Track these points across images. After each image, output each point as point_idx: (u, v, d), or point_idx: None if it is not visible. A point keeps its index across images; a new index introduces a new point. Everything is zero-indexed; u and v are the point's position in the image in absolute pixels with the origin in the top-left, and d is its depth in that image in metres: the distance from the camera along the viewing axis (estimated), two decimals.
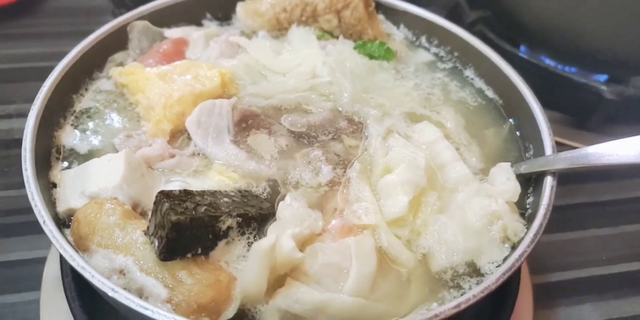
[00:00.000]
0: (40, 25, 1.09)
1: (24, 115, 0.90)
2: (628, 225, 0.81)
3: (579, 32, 0.90)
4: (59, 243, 0.39)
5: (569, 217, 0.83)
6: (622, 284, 0.73)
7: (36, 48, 1.04)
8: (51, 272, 0.67)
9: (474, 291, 0.38)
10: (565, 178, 0.78)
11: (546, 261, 0.76)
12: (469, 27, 1.01)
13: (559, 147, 0.62)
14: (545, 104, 0.90)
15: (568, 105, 0.98)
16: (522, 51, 0.99)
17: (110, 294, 0.36)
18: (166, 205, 0.39)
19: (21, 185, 0.79)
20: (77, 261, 0.38)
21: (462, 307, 0.37)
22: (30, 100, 0.95)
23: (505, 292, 0.60)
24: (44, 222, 0.40)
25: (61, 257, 0.61)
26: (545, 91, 0.96)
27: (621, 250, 0.78)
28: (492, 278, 0.39)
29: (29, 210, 0.76)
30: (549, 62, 0.96)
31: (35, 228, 0.73)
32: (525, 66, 0.97)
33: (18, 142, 0.86)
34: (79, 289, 0.55)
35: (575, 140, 0.90)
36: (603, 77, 0.97)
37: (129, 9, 0.87)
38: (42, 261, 0.69)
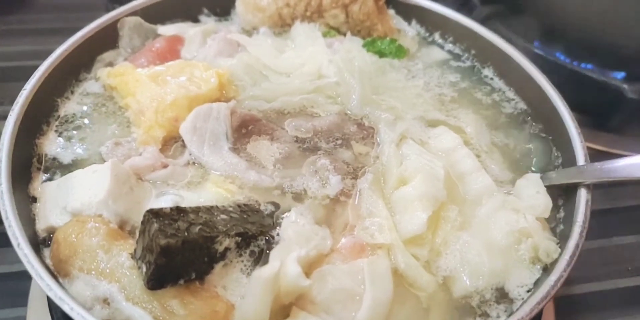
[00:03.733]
0: (30, 21, 1.07)
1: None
2: None
3: (595, 27, 0.87)
4: (35, 270, 0.35)
5: (590, 224, 0.80)
6: None
7: (26, 45, 1.02)
8: (38, 288, 0.64)
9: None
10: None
11: (570, 273, 0.72)
12: (482, 22, 0.98)
13: None
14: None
15: (586, 104, 0.93)
16: (536, 47, 0.96)
17: None
18: (155, 226, 0.35)
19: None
20: (54, 291, 0.33)
21: None
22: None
23: None
24: (18, 245, 0.36)
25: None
26: (563, 89, 0.92)
27: None
28: (526, 309, 0.34)
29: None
30: (564, 58, 0.93)
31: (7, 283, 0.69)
32: (540, 63, 0.93)
33: None
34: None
35: (595, 142, 0.86)
36: (621, 75, 0.94)
37: (123, 4, 0.83)
38: (29, 275, 0.66)
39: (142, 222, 0.36)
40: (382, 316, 0.37)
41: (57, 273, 0.37)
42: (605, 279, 0.71)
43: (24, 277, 0.65)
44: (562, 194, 0.46)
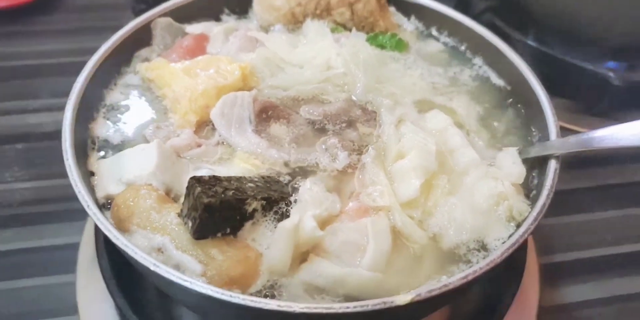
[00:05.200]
0: (60, 22, 1.14)
1: (50, 109, 0.95)
2: (632, 208, 0.84)
3: (586, 20, 0.92)
4: (103, 224, 0.43)
5: (576, 200, 0.87)
6: (626, 263, 0.77)
7: (58, 44, 1.08)
8: (85, 257, 0.72)
9: (481, 264, 0.41)
10: (572, 164, 0.81)
11: (553, 242, 0.80)
12: (477, 17, 1.03)
13: (567, 132, 0.65)
14: (554, 90, 0.92)
15: (576, 91, 1.00)
16: (531, 39, 1.01)
17: (152, 268, 0.40)
18: (198, 189, 0.43)
19: (52, 176, 0.84)
20: (120, 240, 0.41)
21: (470, 278, 0.40)
22: (56, 95, 0.99)
23: (512, 269, 0.63)
24: (88, 206, 0.44)
25: (97, 240, 0.66)
26: (554, 78, 0.99)
27: (625, 231, 0.82)
28: (498, 252, 0.42)
29: (59, 199, 0.81)
30: (557, 49, 0.98)
31: (65, 216, 0.79)
32: (534, 54, 1.00)
33: (48, 135, 0.91)
34: (115, 269, 0.60)
35: (583, 125, 0.93)
36: (611, 64, 1.00)
37: (148, 4, 0.90)
38: (75, 247, 0.75)
39: (187, 187, 0.44)
40: (382, 263, 0.45)
41: (118, 230, 0.46)
42: (587, 248, 0.79)
43: (71, 248, 0.75)
44: (537, 166, 0.53)
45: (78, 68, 0.99)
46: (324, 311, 0.38)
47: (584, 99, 0.99)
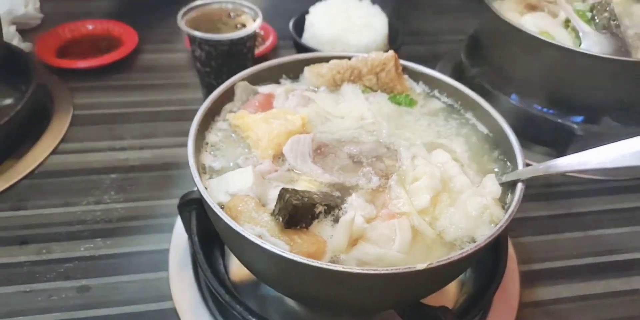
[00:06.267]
0: (132, 79, 1.37)
1: (133, 148, 1.19)
2: (593, 230, 1.05)
3: (554, 87, 1.17)
4: (225, 216, 0.64)
5: (551, 224, 1.07)
6: (586, 271, 0.97)
7: (132, 97, 1.31)
8: (175, 259, 0.93)
9: (471, 247, 0.63)
10: (549, 196, 1.05)
11: (531, 255, 0.99)
12: (470, 80, 1.30)
13: None
14: (533, 139, 1.17)
15: (550, 140, 1.24)
16: (513, 99, 1.26)
17: (260, 243, 0.61)
18: (287, 195, 0.65)
19: (140, 199, 1.07)
20: (233, 225, 0.63)
21: (464, 255, 0.60)
22: (135, 137, 1.25)
23: (494, 271, 0.84)
24: (214, 205, 0.66)
25: (192, 242, 0.85)
26: (533, 129, 1.24)
27: (586, 248, 1.01)
28: (481, 242, 0.64)
29: (147, 216, 1.03)
30: (535, 106, 1.24)
31: (154, 229, 1.00)
32: (515, 110, 1.24)
33: (133, 168, 1.15)
34: (209, 262, 0.81)
35: None
36: (579, 118, 1.25)
37: (211, 66, 1.16)
38: (162, 252, 0.93)
39: (279, 195, 0.65)
40: (407, 248, 0.64)
41: None
42: (557, 260, 0.99)
43: (160, 253, 0.94)
44: (510, 188, 0.75)
45: (151, 116, 1.27)
46: (372, 272, 0.59)
47: (556, 145, 1.22)
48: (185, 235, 0.91)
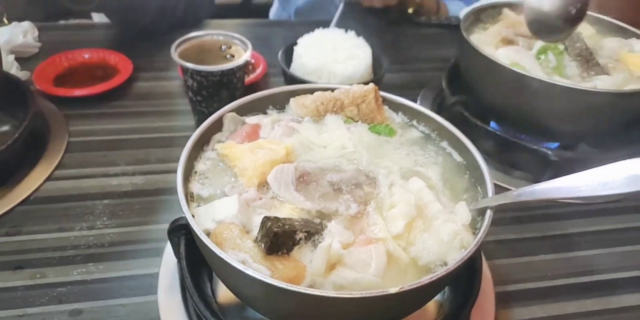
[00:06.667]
0: (129, 106, 1.42)
1: (125, 174, 1.23)
2: (566, 253, 1.09)
3: (528, 116, 1.23)
4: (209, 243, 0.68)
5: (526, 246, 1.11)
6: (559, 292, 1.00)
7: (126, 124, 1.35)
8: (164, 283, 0.96)
9: (441, 271, 0.67)
10: (525, 219, 1.09)
11: (507, 277, 1.03)
12: (450, 107, 1.36)
13: None
14: (512, 164, 1.22)
15: (527, 165, 1.30)
16: (492, 126, 1.32)
17: (242, 269, 0.65)
18: (269, 223, 0.70)
19: (132, 224, 1.11)
20: (220, 253, 0.68)
21: (434, 279, 0.65)
22: (129, 163, 1.28)
23: (468, 293, 0.88)
24: (200, 233, 0.71)
25: (180, 268, 0.89)
26: (511, 155, 1.30)
27: (560, 269, 1.04)
28: (452, 266, 0.68)
29: (138, 241, 1.06)
30: (510, 133, 1.29)
31: (144, 254, 1.04)
32: (495, 137, 1.30)
33: (125, 194, 1.19)
34: (196, 286, 0.85)
35: None
36: (554, 144, 1.31)
37: (201, 95, 1.21)
38: (152, 276, 0.97)
39: (262, 222, 0.70)
40: (382, 272, 0.68)
41: None
42: (532, 281, 1.03)
43: (150, 277, 0.97)
44: (481, 215, 0.80)
45: (144, 142, 1.31)
46: (347, 296, 0.63)
47: (532, 171, 1.28)
48: (174, 260, 0.95)
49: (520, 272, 1.02)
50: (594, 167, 0.65)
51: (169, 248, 1.00)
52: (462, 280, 0.92)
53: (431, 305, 0.95)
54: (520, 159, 1.28)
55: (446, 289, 0.97)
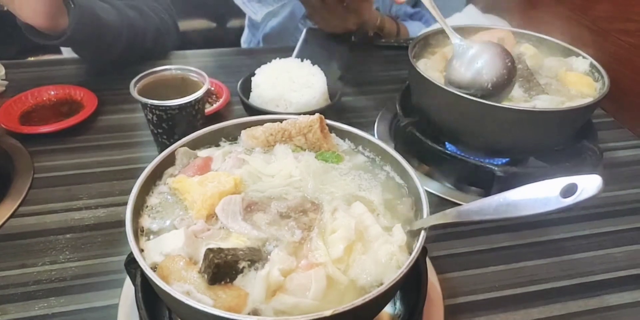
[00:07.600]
0: (94, 140, 1.45)
1: (88, 207, 1.26)
2: (515, 263, 1.13)
3: (475, 136, 1.29)
4: (155, 278, 0.73)
5: (476, 259, 1.15)
6: (507, 302, 1.04)
7: (92, 157, 1.38)
8: (123, 312, 0.99)
9: (374, 293, 0.72)
10: (475, 232, 1.15)
11: (457, 289, 1.07)
12: (404, 128, 1.42)
13: None
14: (467, 181, 1.28)
15: (477, 181, 1.36)
16: (441, 145, 1.38)
17: (184, 301, 0.69)
18: (211, 255, 0.73)
19: (94, 257, 1.14)
20: (165, 286, 0.71)
21: (367, 300, 0.69)
22: (92, 197, 1.32)
23: (414, 307, 0.93)
24: (146, 268, 0.74)
25: (137, 299, 0.93)
26: (461, 173, 1.36)
27: (509, 280, 1.09)
28: (384, 286, 0.73)
29: (100, 273, 1.09)
30: (461, 152, 1.36)
31: (105, 286, 1.07)
32: (444, 156, 1.36)
33: (88, 227, 1.21)
34: (152, 316, 0.88)
35: None
36: (502, 160, 1.37)
37: (163, 128, 1.26)
38: (114, 306, 1.00)
39: (205, 254, 0.74)
40: (320, 296, 0.72)
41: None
42: (480, 293, 1.08)
43: (112, 308, 1.00)
44: (417, 234, 0.86)
45: (108, 175, 1.34)
46: None
47: (482, 186, 1.34)
48: (133, 290, 0.98)
49: (470, 284, 1.04)
50: (538, 180, 0.67)
51: (129, 279, 1.03)
52: (412, 296, 0.96)
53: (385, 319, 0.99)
54: (470, 176, 1.34)
55: (398, 303, 1.01)
